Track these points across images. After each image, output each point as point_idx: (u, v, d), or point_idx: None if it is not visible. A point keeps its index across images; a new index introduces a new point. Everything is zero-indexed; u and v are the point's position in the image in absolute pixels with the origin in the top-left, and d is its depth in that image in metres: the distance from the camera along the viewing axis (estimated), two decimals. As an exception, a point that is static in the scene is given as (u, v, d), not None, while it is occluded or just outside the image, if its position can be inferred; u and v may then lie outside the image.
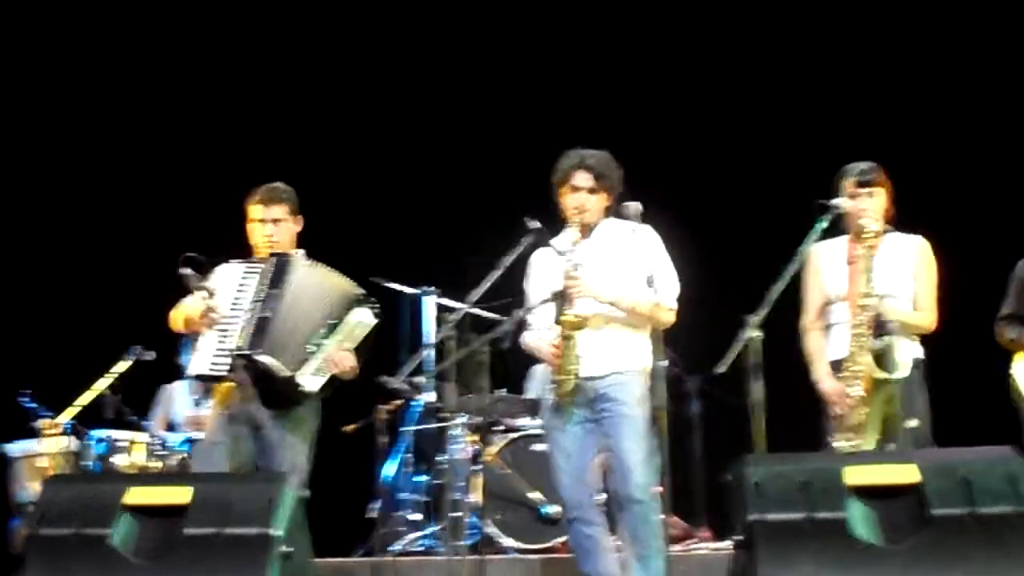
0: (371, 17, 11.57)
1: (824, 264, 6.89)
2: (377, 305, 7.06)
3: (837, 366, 6.67)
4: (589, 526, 6.70)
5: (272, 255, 6.98)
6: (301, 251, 7.15)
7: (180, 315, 7.03)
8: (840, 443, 6.54)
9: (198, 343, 6.96)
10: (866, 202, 6.72)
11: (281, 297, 6.82)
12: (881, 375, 6.39)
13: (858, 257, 6.66)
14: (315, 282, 6.96)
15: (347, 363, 6.91)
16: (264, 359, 6.73)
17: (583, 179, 6.78)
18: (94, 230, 11.33)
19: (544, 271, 6.92)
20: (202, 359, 6.86)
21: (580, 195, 6.77)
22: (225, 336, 6.72)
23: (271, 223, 7.03)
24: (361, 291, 7.04)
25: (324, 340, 6.85)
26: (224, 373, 6.71)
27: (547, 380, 6.89)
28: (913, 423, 6.41)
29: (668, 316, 6.66)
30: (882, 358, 6.40)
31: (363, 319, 6.99)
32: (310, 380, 6.82)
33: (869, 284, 6.54)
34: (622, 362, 6.69)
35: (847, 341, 6.61)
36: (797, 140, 10.73)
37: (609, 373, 6.67)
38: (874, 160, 6.87)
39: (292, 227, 7.11)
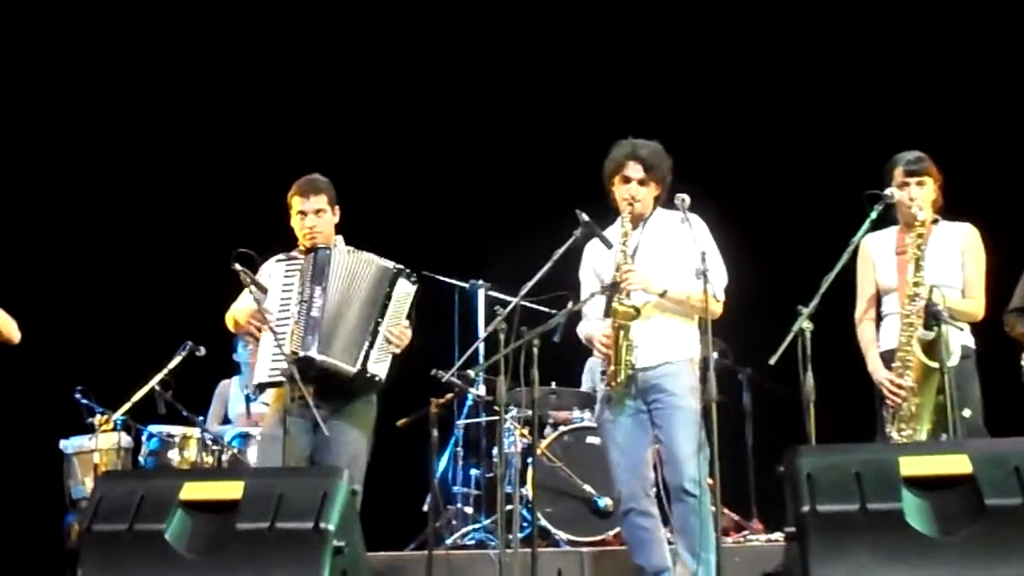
0: (419, 7, 11.57)
1: (874, 255, 6.87)
2: (413, 272, 7.07)
3: (889, 356, 6.66)
4: (644, 518, 6.69)
5: (309, 251, 7.01)
6: (340, 238, 7.19)
7: (231, 317, 7.08)
8: (893, 433, 6.52)
9: (251, 345, 6.99)
10: (915, 191, 6.70)
11: (325, 293, 6.84)
12: (932, 364, 6.35)
13: (907, 247, 6.63)
14: (355, 269, 6.96)
15: (405, 340, 6.94)
16: (325, 360, 6.75)
17: (635, 169, 6.77)
18: (148, 228, 11.39)
19: (596, 263, 6.93)
20: (262, 367, 6.89)
21: (632, 186, 6.77)
22: (280, 340, 6.73)
23: (312, 214, 7.05)
24: (395, 264, 7.05)
25: (377, 323, 6.87)
26: (283, 379, 6.72)
27: (599, 372, 6.88)
28: (966, 412, 6.37)
29: (717, 307, 6.63)
30: (933, 347, 6.36)
31: (405, 290, 7.00)
32: (376, 367, 6.85)
33: (919, 273, 6.51)
34: (673, 352, 6.70)
35: (898, 331, 6.58)
36: (847, 129, 10.67)
37: (660, 363, 6.67)
38: (923, 149, 6.84)
39: (332, 218, 7.14)
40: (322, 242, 7.05)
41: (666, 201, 6.85)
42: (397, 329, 6.90)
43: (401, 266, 7.04)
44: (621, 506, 6.78)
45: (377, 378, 6.86)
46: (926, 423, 6.50)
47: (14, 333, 7.49)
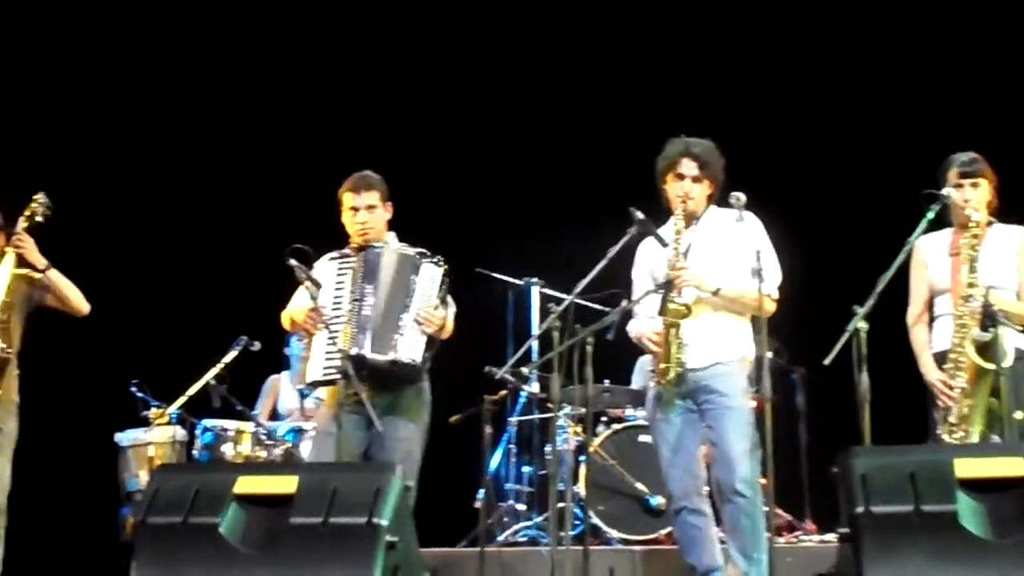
0: (473, 4, 11.60)
1: (928, 256, 6.84)
2: (438, 257, 7.08)
3: (941, 357, 6.63)
4: (696, 516, 6.68)
5: (360, 249, 7.06)
6: (392, 235, 7.23)
7: (288, 316, 7.13)
8: (944, 435, 6.49)
9: (310, 346, 7.04)
10: (970, 193, 6.67)
11: (376, 292, 6.90)
12: (987, 365, 6.32)
13: (962, 248, 6.60)
14: (395, 265, 7.00)
15: (435, 320, 6.94)
16: (375, 357, 6.80)
17: (688, 167, 6.77)
18: (204, 223, 11.44)
19: (649, 262, 6.92)
20: (315, 365, 6.94)
21: (685, 183, 6.76)
22: (333, 338, 6.77)
23: (364, 210, 7.09)
24: (418, 250, 7.09)
25: (406, 308, 6.90)
26: (336, 376, 6.75)
27: (649, 370, 6.88)
28: (1018, 415, 6.33)
29: (770, 305, 6.62)
30: (987, 349, 6.33)
31: (430, 274, 7.01)
32: (411, 351, 6.87)
33: (972, 275, 6.49)
34: (724, 352, 6.67)
35: (950, 332, 6.55)
36: (904, 129, 10.62)
37: (711, 364, 6.65)
38: (979, 150, 6.80)
39: (383, 214, 7.18)
40: (373, 238, 7.10)
41: (719, 200, 6.84)
42: (425, 311, 6.92)
43: (424, 251, 7.08)
44: (672, 504, 6.77)
45: (414, 361, 6.87)
46: (978, 425, 6.46)
47: (83, 304, 7.61)
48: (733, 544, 6.54)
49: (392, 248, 7.10)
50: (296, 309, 7.05)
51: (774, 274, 6.69)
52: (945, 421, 6.51)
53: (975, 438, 6.42)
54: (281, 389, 10.04)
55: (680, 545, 6.83)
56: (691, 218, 6.81)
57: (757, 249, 6.41)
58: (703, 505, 6.72)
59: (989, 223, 6.70)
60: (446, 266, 7.07)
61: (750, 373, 6.77)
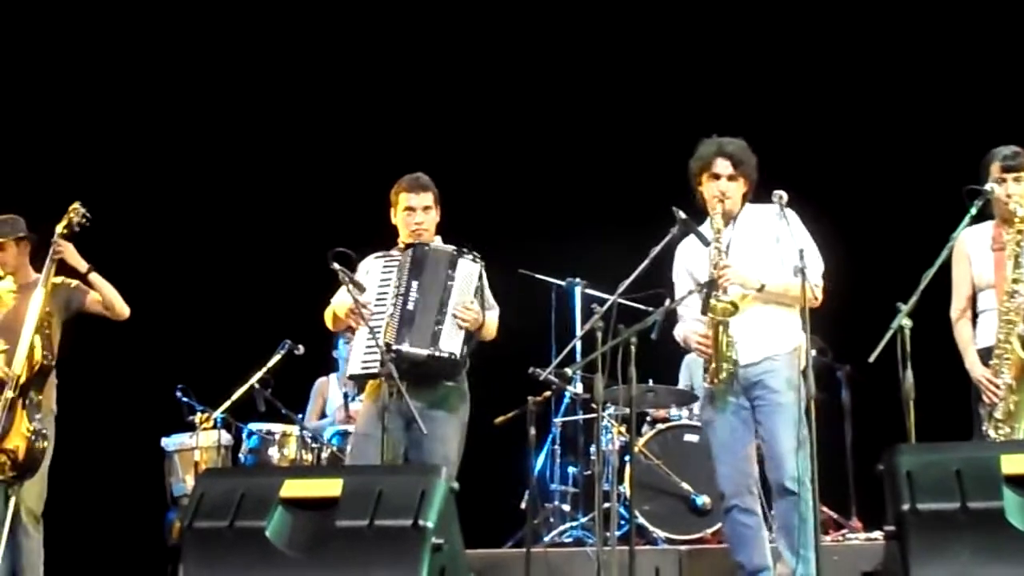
0: (514, 5, 11.61)
1: (971, 251, 6.79)
2: (475, 252, 7.14)
3: (986, 353, 6.59)
4: (747, 515, 6.68)
5: (408, 246, 7.12)
6: (438, 238, 7.29)
7: (330, 313, 7.17)
8: (989, 432, 6.45)
9: (351, 342, 7.09)
10: (1012, 187, 6.62)
11: (421, 288, 6.97)
12: (1033, 361, 6.30)
13: (1005, 243, 6.56)
14: (435, 262, 7.07)
15: (470, 315, 7.00)
16: (411, 351, 6.85)
17: (723, 166, 6.77)
18: (248, 228, 11.49)
19: (689, 262, 6.91)
20: (355, 359, 7.02)
21: (721, 182, 6.77)
22: (375, 333, 6.80)
23: (421, 211, 7.17)
24: (454, 247, 7.14)
25: (443, 304, 6.95)
26: (377, 370, 6.79)
27: (698, 370, 6.88)
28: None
29: (818, 294, 6.61)
30: (1033, 346, 6.30)
31: (467, 270, 7.07)
32: (449, 344, 6.93)
33: (1018, 271, 6.44)
34: (773, 346, 6.67)
35: (995, 328, 6.52)
36: (946, 123, 10.56)
37: (762, 359, 6.65)
38: (1020, 144, 6.75)
39: (436, 216, 7.26)
40: (427, 239, 7.18)
41: (755, 197, 6.84)
42: (462, 306, 6.97)
43: (462, 247, 7.13)
44: (724, 503, 6.77)
45: (452, 355, 6.93)
46: (1023, 421, 6.43)
47: (124, 308, 7.67)
48: (783, 542, 6.55)
49: (433, 246, 7.15)
50: (339, 304, 7.11)
51: (817, 264, 6.68)
52: (991, 417, 6.46)
53: (1021, 435, 6.38)
54: (329, 391, 10.07)
55: (730, 543, 6.84)
56: (729, 217, 6.81)
57: (800, 248, 6.40)
58: (754, 504, 6.72)
59: (1032, 216, 6.66)
60: (483, 262, 7.12)
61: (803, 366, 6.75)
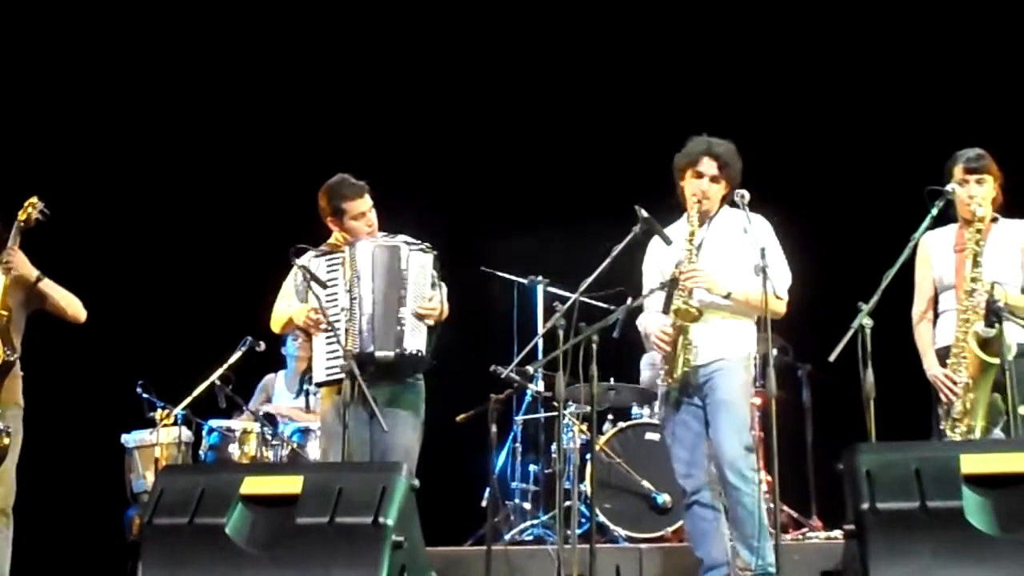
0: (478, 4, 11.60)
1: (933, 253, 6.86)
2: (424, 243, 7.13)
3: (944, 353, 6.64)
4: (706, 510, 6.73)
5: (350, 243, 7.09)
6: (382, 233, 7.26)
7: (282, 319, 7.15)
8: (946, 430, 6.49)
9: (306, 346, 7.08)
10: (975, 189, 6.67)
11: (373, 287, 6.96)
12: (990, 360, 6.32)
13: (966, 243, 6.60)
14: (384, 258, 7.06)
15: (431, 308, 7.02)
16: (380, 354, 6.89)
17: (709, 166, 6.79)
18: (207, 224, 11.45)
19: (660, 259, 6.93)
20: (319, 365, 7.01)
21: (703, 181, 6.79)
22: (334, 338, 6.80)
23: (370, 213, 7.18)
24: (402, 238, 7.15)
25: (402, 300, 6.95)
26: (341, 376, 6.76)
27: (658, 368, 6.89)
28: (1022, 410, 6.32)
29: (779, 305, 6.66)
30: (990, 344, 6.33)
31: (419, 262, 7.07)
32: (413, 342, 6.94)
33: (976, 270, 6.50)
34: (727, 350, 6.71)
35: (954, 327, 6.55)
36: (908, 125, 10.60)
37: (714, 360, 6.69)
38: (984, 147, 6.80)
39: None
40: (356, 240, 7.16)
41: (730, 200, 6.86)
42: (423, 306, 6.98)
43: (410, 239, 7.12)
44: (685, 499, 6.82)
45: (419, 352, 6.95)
46: (980, 419, 6.47)
47: (80, 312, 7.57)
48: (735, 535, 6.61)
49: (377, 241, 7.14)
50: (295, 311, 7.06)
51: (783, 276, 6.73)
52: (948, 416, 6.52)
53: (977, 433, 6.43)
54: (275, 389, 10.04)
55: (690, 539, 6.90)
56: (705, 217, 6.83)
57: (762, 246, 6.41)
58: (714, 500, 6.75)
59: (994, 219, 6.72)
60: (435, 252, 7.10)
61: (756, 372, 6.78)
